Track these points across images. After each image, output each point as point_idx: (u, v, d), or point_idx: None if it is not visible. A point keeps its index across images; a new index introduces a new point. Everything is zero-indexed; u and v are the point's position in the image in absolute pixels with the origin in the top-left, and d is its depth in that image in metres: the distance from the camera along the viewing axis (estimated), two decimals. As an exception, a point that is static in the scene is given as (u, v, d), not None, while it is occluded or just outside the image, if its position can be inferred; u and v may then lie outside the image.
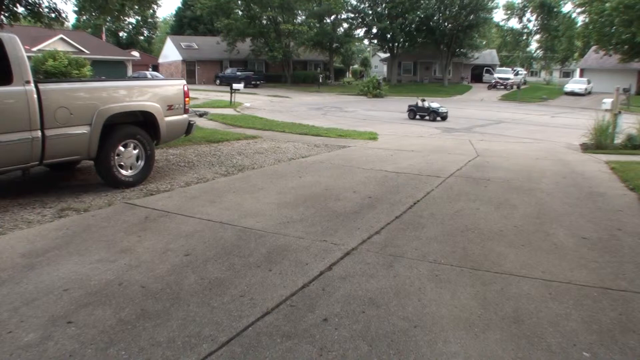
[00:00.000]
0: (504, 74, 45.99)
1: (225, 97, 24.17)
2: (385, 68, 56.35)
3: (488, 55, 54.05)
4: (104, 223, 4.33)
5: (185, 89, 6.57)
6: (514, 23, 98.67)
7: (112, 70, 36.47)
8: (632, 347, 2.52)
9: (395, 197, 5.50)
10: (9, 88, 4.68)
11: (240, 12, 42.95)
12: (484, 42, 50.64)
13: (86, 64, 22.23)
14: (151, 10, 55.02)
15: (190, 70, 45.69)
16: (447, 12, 44.19)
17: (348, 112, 21.27)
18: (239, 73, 40.37)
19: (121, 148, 5.71)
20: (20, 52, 4.86)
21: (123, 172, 5.76)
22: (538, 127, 17.41)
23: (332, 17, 45.96)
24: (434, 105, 18.10)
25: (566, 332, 2.65)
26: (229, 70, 43.32)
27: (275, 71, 47.12)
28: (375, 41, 50.06)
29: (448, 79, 47.64)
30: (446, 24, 44.78)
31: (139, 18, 63.29)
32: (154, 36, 72.30)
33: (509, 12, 65.09)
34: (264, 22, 42.60)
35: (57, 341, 2.44)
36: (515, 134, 14.84)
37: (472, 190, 5.97)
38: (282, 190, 5.71)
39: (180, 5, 65.69)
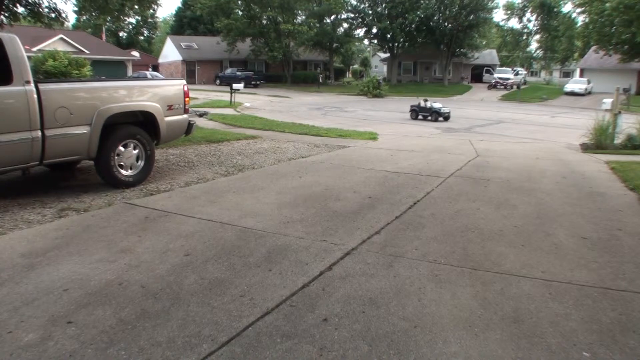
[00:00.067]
0: (504, 74, 46.00)
1: (225, 97, 24.18)
2: (385, 68, 56.35)
3: (488, 55, 54.04)
4: (104, 223, 4.33)
5: (185, 89, 6.57)
6: (514, 23, 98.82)
7: (112, 70, 36.50)
8: (632, 347, 2.52)
9: (395, 197, 5.50)
10: (9, 88, 4.68)
11: (240, 12, 42.96)
12: (484, 42, 50.63)
13: (86, 64, 22.23)
14: (151, 10, 54.99)
15: (190, 70, 45.69)
16: (447, 12, 44.21)
17: (348, 112, 21.28)
18: (239, 73, 40.38)
19: (121, 148, 5.71)
20: (20, 52, 4.86)
21: (123, 172, 5.76)
22: (538, 127, 17.41)
23: (332, 17, 45.95)
24: (436, 105, 18.07)
25: (566, 332, 2.65)
26: (229, 70, 43.33)
27: (275, 71, 47.12)
28: (375, 41, 50.07)
29: (448, 79, 47.64)
30: (446, 24, 44.79)
31: (139, 18, 63.32)
32: (154, 36, 72.31)
33: (509, 12, 65.21)
34: (264, 22, 42.61)
35: (57, 341, 2.44)
36: (515, 134, 14.84)
37: (472, 190, 5.97)
38: (282, 190, 5.71)
39: (180, 5, 65.80)
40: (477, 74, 51.72)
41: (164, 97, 6.22)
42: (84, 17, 32.17)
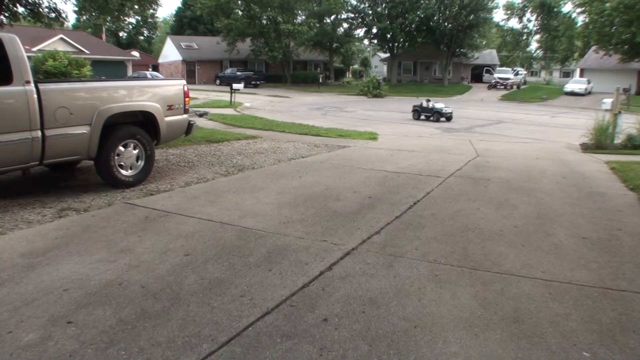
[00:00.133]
0: (504, 74, 46.00)
1: (225, 97, 24.18)
2: (385, 68, 56.36)
3: (488, 55, 54.04)
4: (104, 223, 4.33)
5: (185, 88, 6.57)
6: (514, 23, 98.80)
7: (112, 70, 36.50)
8: (632, 347, 2.52)
9: (395, 197, 5.50)
10: (9, 88, 4.68)
11: (240, 12, 42.96)
12: (483, 42, 50.63)
13: (86, 64, 22.23)
14: (151, 10, 55.02)
15: (190, 70, 45.69)
16: (447, 12, 44.21)
17: (348, 112, 21.28)
18: (239, 73, 40.39)
19: (121, 148, 5.71)
20: (20, 52, 4.86)
21: (123, 172, 5.76)
22: (538, 127, 17.42)
23: (332, 17, 45.95)
24: (438, 105, 18.07)
25: (566, 332, 2.65)
26: (229, 70, 43.33)
27: (275, 71, 47.12)
28: (375, 41, 50.08)
29: (448, 79, 47.64)
30: (446, 24, 44.79)
31: (139, 18, 63.31)
32: (154, 36, 72.31)
33: (509, 12, 65.22)
34: (264, 22, 42.61)
35: (57, 341, 2.44)
36: (515, 134, 14.84)
37: (472, 190, 5.97)
38: (282, 190, 5.71)
39: (180, 5, 65.77)
40: (477, 74, 51.72)
41: (164, 97, 6.22)
42: (84, 17, 32.20)
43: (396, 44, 46.00)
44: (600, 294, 3.13)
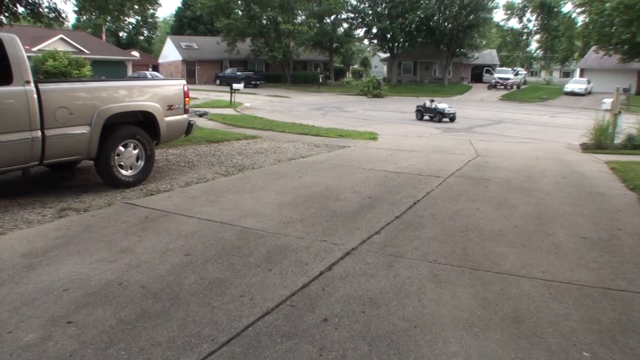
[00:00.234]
0: (504, 74, 46.01)
1: (225, 97, 24.18)
2: (385, 68, 56.36)
3: (488, 55, 54.05)
4: (104, 223, 4.33)
5: (185, 88, 6.57)
6: (514, 23, 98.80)
7: (112, 70, 36.50)
8: (632, 347, 2.52)
9: (395, 197, 5.50)
10: (9, 88, 4.68)
11: (240, 12, 42.95)
12: (483, 42, 50.63)
13: (86, 64, 22.23)
14: (151, 10, 54.98)
15: (190, 70, 45.69)
16: (447, 12, 44.22)
17: (348, 112, 21.28)
18: (239, 73, 40.39)
19: (121, 148, 5.71)
20: (20, 52, 4.86)
21: (123, 172, 5.76)
22: (538, 127, 17.42)
23: (332, 17, 45.95)
24: (441, 106, 18.09)
25: (566, 332, 2.65)
26: (229, 70, 43.33)
27: (275, 71, 47.12)
28: (375, 41, 50.08)
29: (448, 79, 47.64)
30: (446, 24, 44.80)
31: (139, 18, 63.28)
32: (154, 36, 72.30)
33: (509, 12, 65.23)
34: (264, 22, 42.61)
35: (57, 341, 2.44)
36: (515, 134, 14.84)
37: (472, 190, 5.97)
38: (282, 190, 5.71)
39: (180, 5, 65.81)
40: (477, 74, 51.72)
41: (164, 97, 6.22)
42: (84, 17, 32.19)
43: (396, 44, 46.00)
44: (600, 294, 3.13)
